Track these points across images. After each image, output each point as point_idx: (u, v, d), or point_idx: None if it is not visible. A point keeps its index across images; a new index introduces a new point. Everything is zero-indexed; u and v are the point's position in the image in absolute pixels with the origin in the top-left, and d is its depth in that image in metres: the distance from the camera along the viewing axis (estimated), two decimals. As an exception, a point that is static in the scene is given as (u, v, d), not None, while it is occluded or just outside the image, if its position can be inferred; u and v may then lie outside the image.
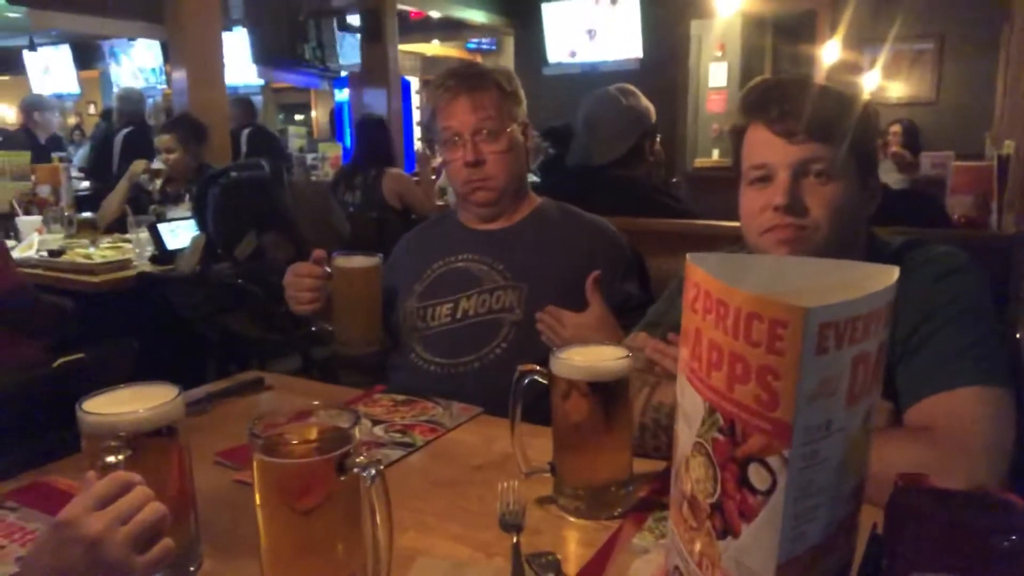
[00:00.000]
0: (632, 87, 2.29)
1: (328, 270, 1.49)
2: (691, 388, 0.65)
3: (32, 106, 6.35)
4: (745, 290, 0.57)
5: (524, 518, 0.97)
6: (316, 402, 0.80)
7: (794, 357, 0.54)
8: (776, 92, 1.12)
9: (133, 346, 1.31)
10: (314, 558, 0.76)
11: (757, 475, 0.58)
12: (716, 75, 7.64)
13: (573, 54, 7.70)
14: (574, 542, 0.94)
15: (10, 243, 3.05)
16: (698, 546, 0.66)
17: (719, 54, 7.80)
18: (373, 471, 0.71)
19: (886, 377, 1.11)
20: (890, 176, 4.74)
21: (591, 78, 7.16)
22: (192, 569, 0.87)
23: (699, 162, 7.43)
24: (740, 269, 0.65)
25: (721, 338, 0.59)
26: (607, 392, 0.97)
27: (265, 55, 6.23)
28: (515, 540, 0.90)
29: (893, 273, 0.61)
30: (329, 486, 0.73)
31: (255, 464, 0.74)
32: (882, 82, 6.63)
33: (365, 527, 0.76)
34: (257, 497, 0.76)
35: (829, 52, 6.49)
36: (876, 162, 1.19)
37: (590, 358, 0.99)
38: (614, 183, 2.16)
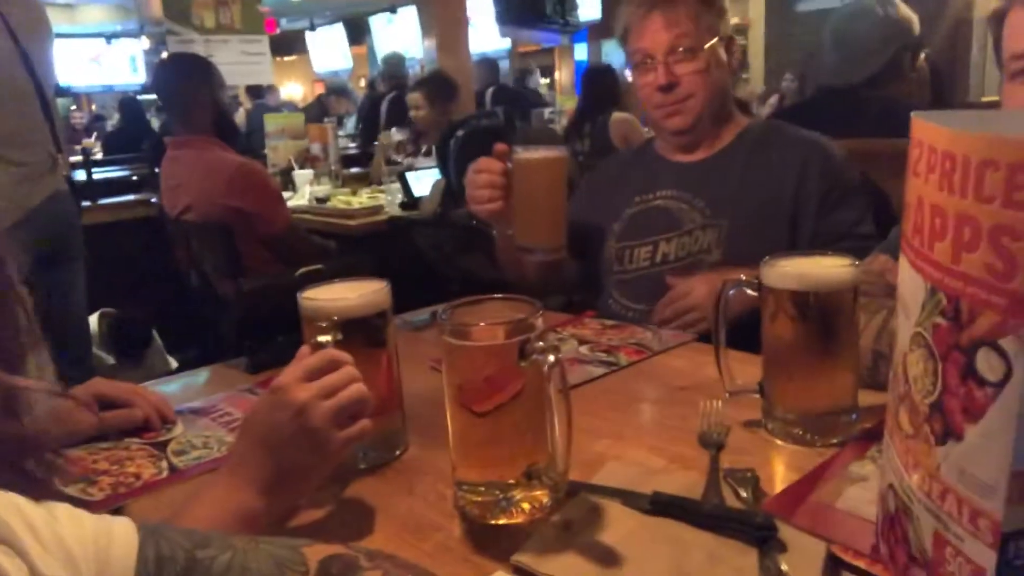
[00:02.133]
0: (892, -5, 2.01)
1: (509, 165, 1.33)
2: (911, 269, 0.55)
3: (334, 91, 7.31)
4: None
5: (726, 437, 0.90)
6: (499, 295, 0.80)
7: (1042, 209, 0.43)
8: None
9: (367, 263, 1.42)
10: (496, 448, 0.77)
11: (987, 362, 0.47)
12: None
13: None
14: (781, 464, 0.86)
15: (287, 193, 3.47)
16: (914, 457, 0.56)
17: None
18: (552, 358, 0.70)
19: None
20: None
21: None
22: (398, 453, 0.93)
23: (987, 99, 6.42)
24: (981, 123, 0.53)
25: (946, 199, 0.49)
26: (825, 305, 0.86)
27: (509, 15, 6.43)
28: (714, 454, 0.85)
29: None
30: (511, 371, 0.73)
31: (443, 348, 0.76)
32: None
33: (547, 424, 0.76)
34: (445, 383, 0.78)
35: None
36: None
37: (807, 267, 0.89)
38: (869, 104, 1.92)
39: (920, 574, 0.56)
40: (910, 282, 0.55)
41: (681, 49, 1.42)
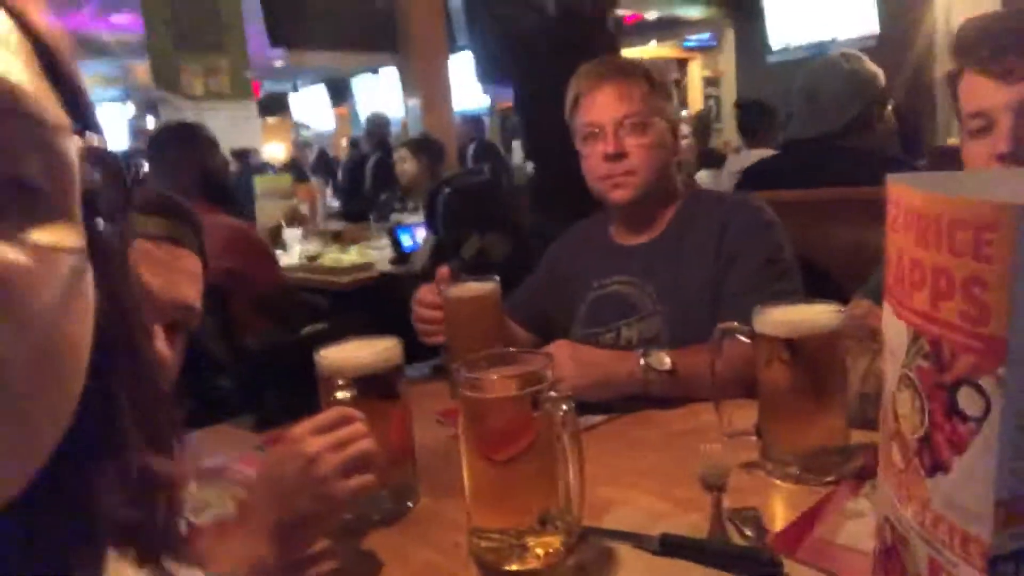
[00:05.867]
0: (856, 52, 2.13)
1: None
2: (894, 316, 0.60)
3: (295, 145, 7.46)
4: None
5: (727, 478, 0.94)
6: (512, 349, 0.84)
7: (1004, 263, 0.48)
8: (986, 31, 1.01)
9: (363, 319, 1.46)
10: (511, 495, 0.81)
11: (968, 399, 0.52)
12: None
13: (799, 38, 7.27)
14: (781, 503, 0.90)
15: (278, 251, 3.51)
16: (907, 489, 0.60)
17: (976, 20, 6.94)
18: (565, 406, 0.74)
19: None
20: None
21: (820, 62, 6.72)
22: (409, 504, 0.96)
23: (953, 141, 6.64)
24: (951, 185, 0.59)
25: (922, 254, 0.54)
26: (813, 350, 0.91)
27: (486, 73, 6.60)
28: (716, 495, 0.88)
29: None
30: (525, 421, 0.77)
31: (460, 401, 0.80)
32: None
33: (559, 471, 0.80)
34: (461, 436, 0.82)
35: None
36: None
37: (794, 315, 0.95)
38: (839, 155, 2.01)
39: (919, 600, 0.60)
40: (894, 328, 0.60)
41: (630, 123, 1.43)
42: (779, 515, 0.86)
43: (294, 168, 7.42)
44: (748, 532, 0.79)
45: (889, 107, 2.10)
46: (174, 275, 0.87)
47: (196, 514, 0.99)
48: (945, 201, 0.52)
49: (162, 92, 3.96)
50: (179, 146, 2.75)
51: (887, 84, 2.15)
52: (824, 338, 0.91)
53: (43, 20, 0.34)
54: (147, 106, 9.69)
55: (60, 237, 0.32)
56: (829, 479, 0.92)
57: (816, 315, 0.93)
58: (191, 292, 0.89)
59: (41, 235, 0.31)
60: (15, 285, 0.29)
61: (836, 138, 2.02)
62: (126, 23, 6.81)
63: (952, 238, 0.52)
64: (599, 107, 1.47)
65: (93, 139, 0.35)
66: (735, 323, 0.98)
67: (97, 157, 0.34)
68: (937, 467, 0.56)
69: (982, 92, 1.01)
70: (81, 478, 0.37)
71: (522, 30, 3.26)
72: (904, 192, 0.57)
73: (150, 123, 9.39)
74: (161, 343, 0.84)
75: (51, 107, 0.32)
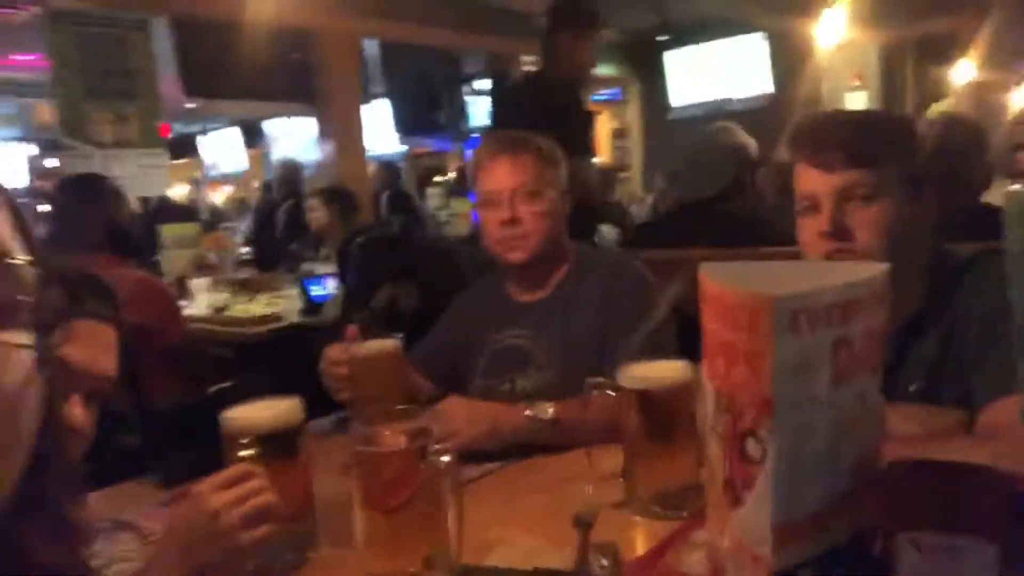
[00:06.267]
0: (731, 124, 2.37)
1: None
2: (705, 378, 0.74)
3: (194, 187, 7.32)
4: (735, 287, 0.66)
5: (596, 517, 1.06)
6: (403, 406, 0.95)
7: (771, 339, 0.62)
8: (811, 130, 1.20)
9: (270, 377, 1.53)
10: (399, 540, 0.90)
11: (752, 446, 0.66)
12: (854, 106, 7.39)
13: (698, 96, 7.74)
14: (640, 537, 1.03)
15: (182, 302, 3.49)
16: (721, 522, 0.74)
17: (856, 83, 7.56)
18: (448, 457, 0.85)
19: (963, 386, 1.13)
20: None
21: (718, 118, 7.15)
22: (310, 554, 1.04)
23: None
24: (748, 274, 0.74)
25: (721, 329, 0.69)
26: (664, 401, 1.06)
27: (406, 125, 6.77)
28: (584, 532, 1.00)
29: (879, 268, 0.68)
30: (412, 472, 0.87)
31: (353, 454, 0.90)
32: (1035, 98, 6.20)
33: (442, 516, 0.90)
34: (354, 486, 0.91)
35: (971, 72, 6.18)
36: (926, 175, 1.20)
37: (649, 371, 1.09)
38: (716, 218, 2.23)
39: (730, 614, 0.73)
40: (706, 387, 0.74)
41: (523, 191, 1.58)
42: (638, 547, 0.99)
43: (198, 214, 7.30)
44: (605, 563, 0.91)
45: (758, 173, 2.34)
46: (93, 349, 0.94)
47: (105, 569, 1.03)
48: (730, 291, 0.67)
49: (68, 139, 3.90)
50: (84, 199, 2.73)
51: (765, 149, 2.40)
52: (674, 391, 1.06)
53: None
54: (48, 145, 9.36)
55: (16, 337, 0.43)
56: (683, 514, 1.06)
57: (668, 371, 1.08)
58: (109, 364, 0.96)
59: (3, 336, 0.42)
60: None
61: (713, 202, 2.24)
62: (27, 61, 6.64)
63: (736, 318, 0.66)
64: (496, 177, 1.61)
65: (36, 266, 0.45)
66: (601, 378, 1.11)
67: (42, 281, 0.45)
68: (736, 502, 0.70)
69: (809, 179, 1.19)
70: (14, 529, 0.47)
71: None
72: (705, 280, 0.71)
73: (50, 163, 9.06)
74: (79, 412, 0.90)
75: (15, 247, 0.43)
